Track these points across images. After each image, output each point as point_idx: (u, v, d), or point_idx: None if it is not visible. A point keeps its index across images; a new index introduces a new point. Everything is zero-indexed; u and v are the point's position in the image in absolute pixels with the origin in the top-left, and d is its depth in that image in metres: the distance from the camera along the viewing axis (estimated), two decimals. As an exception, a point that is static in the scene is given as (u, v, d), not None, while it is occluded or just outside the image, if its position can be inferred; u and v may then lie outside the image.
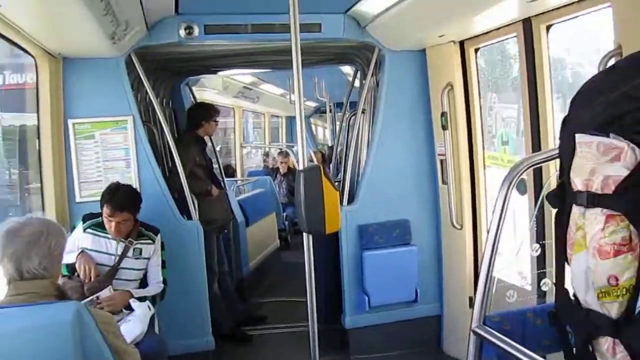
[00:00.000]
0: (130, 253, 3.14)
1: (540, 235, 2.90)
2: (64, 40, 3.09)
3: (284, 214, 7.96)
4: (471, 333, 1.83)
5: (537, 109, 3.04)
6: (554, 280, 1.26)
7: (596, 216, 1.03)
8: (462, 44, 3.67)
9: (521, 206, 3.14)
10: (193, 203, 3.83)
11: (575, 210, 1.09)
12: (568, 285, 1.22)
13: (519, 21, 3.07)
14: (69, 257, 2.92)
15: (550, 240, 1.34)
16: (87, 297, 2.88)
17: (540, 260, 2.88)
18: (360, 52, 4.22)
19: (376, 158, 3.97)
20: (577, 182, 1.08)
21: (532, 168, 1.81)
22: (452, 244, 3.91)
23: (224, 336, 4.12)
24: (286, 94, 10.34)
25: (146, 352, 2.56)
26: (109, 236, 3.12)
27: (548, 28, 2.97)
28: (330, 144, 10.96)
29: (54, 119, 3.40)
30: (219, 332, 3.98)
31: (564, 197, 1.14)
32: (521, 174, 1.83)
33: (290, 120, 12.60)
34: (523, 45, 3.08)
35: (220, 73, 6.61)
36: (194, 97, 5.64)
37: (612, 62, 2.35)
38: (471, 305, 3.72)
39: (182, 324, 3.61)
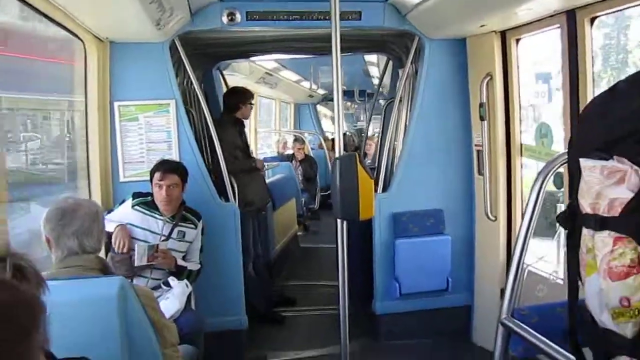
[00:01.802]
0: (174, 234, 3.27)
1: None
2: (112, 25, 3.20)
3: (302, 199, 8.08)
4: (499, 324, 1.87)
5: (578, 103, 3.00)
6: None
7: (604, 239, 1.04)
8: (503, 34, 3.62)
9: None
10: (232, 185, 3.93)
11: (585, 232, 1.10)
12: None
13: (562, 12, 3.01)
14: (109, 226, 3.03)
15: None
16: (135, 270, 3.06)
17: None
18: (399, 40, 4.21)
19: (412, 146, 3.99)
20: (585, 205, 1.09)
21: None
22: (486, 235, 3.91)
23: (257, 317, 4.23)
24: (301, 80, 10.35)
25: (183, 327, 2.68)
26: (157, 215, 3.25)
27: (592, 20, 2.91)
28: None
29: (100, 102, 3.53)
30: (252, 312, 4.09)
31: (574, 219, 1.16)
32: (556, 169, 1.85)
33: (299, 107, 12.65)
34: (566, 37, 3.03)
35: (255, 58, 6.66)
36: (225, 82, 5.71)
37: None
38: (502, 297, 3.72)
39: (217, 303, 3.73)
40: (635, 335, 1.02)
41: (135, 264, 3.04)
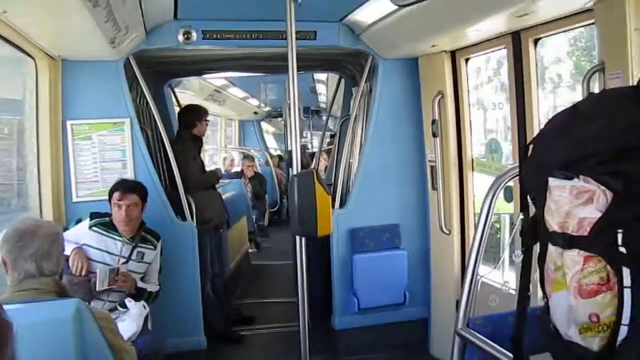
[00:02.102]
0: (134, 256, 3.22)
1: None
2: (65, 43, 3.16)
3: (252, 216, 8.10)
4: (455, 335, 1.92)
5: (524, 119, 3.14)
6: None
7: (574, 257, 1.07)
8: (453, 53, 3.76)
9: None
10: (189, 203, 3.89)
11: (552, 250, 1.12)
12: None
13: (508, 34, 3.16)
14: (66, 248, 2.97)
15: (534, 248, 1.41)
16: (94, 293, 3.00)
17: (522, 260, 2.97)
18: (354, 59, 4.31)
19: (368, 163, 4.06)
20: (552, 224, 1.12)
21: (517, 178, 1.90)
22: (441, 248, 4.00)
23: (215, 336, 4.18)
24: (248, 97, 10.37)
25: (142, 349, 2.63)
26: (115, 236, 3.19)
27: (536, 42, 3.07)
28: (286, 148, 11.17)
29: (52, 120, 3.46)
30: (210, 332, 4.04)
31: (536, 235, 1.20)
32: (505, 183, 1.93)
33: (243, 124, 12.67)
34: (512, 57, 3.18)
35: (210, 75, 6.66)
36: (177, 99, 5.66)
37: (595, 77, 2.47)
38: (457, 308, 3.81)
39: (175, 323, 3.68)
40: (601, 349, 1.05)
41: (97, 289, 2.97)
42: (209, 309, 4.06)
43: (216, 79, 8.02)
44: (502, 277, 3.28)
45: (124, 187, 3.24)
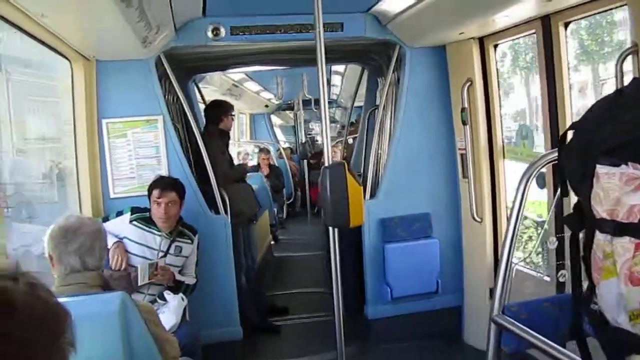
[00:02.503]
0: (172, 250, 3.31)
1: (558, 229, 2.97)
2: (99, 44, 3.24)
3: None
4: (491, 322, 1.93)
5: (555, 105, 3.10)
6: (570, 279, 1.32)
7: (625, 244, 1.06)
8: (481, 40, 3.73)
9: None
10: (222, 197, 3.96)
11: (601, 237, 1.12)
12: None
13: (537, 18, 3.12)
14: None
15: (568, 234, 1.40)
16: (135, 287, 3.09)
17: (559, 253, 2.95)
18: (380, 49, 4.30)
19: (397, 153, 4.07)
20: (600, 211, 1.11)
21: (550, 164, 1.90)
22: (473, 236, 3.99)
23: (252, 327, 4.26)
24: (261, 90, 10.39)
25: (181, 340, 2.70)
26: (155, 231, 3.28)
27: (566, 25, 3.02)
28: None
29: (88, 119, 3.56)
30: (247, 323, 4.13)
31: (582, 221, 1.18)
32: (539, 170, 1.92)
33: (254, 117, 12.70)
34: (542, 42, 3.14)
35: (238, 70, 6.72)
36: (202, 94, 5.74)
37: (629, 59, 2.43)
38: (491, 296, 3.80)
39: (212, 315, 3.76)
40: None
41: (139, 283, 3.06)
42: (245, 301, 4.14)
43: (234, 73, 8.07)
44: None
45: (163, 184, 3.33)
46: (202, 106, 5.35)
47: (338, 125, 13.68)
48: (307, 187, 9.14)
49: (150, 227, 3.29)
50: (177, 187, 3.36)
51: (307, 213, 8.97)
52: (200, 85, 6.16)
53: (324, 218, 2.87)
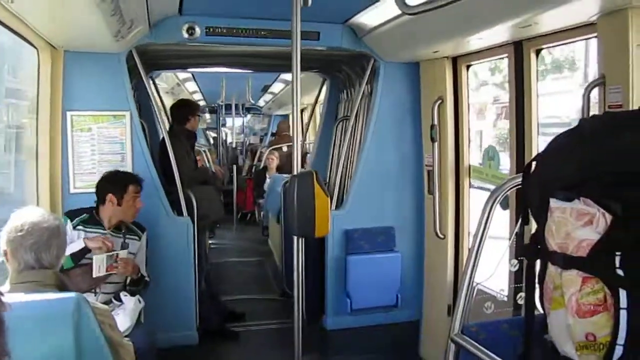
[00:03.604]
0: (119, 247, 3.19)
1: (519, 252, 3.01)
2: (69, 35, 3.14)
3: None
4: (450, 341, 1.95)
5: (523, 129, 3.17)
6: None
7: (573, 278, 1.10)
8: (454, 60, 3.78)
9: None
10: (187, 199, 3.90)
11: (552, 268, 1.15)
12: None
13: (510, 43, 3.19)
14: (71, 247, 2.91)
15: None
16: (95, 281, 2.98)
17: (518, 275, 3.00)
18: (355, 61, 4.32)
19: (365, 165, 4.08)
20: (552, 243, 1.14)
21: (515, 188, 1.93)
22: (435, 252, 4.03)
23: (209, 332, 4.19)
24: (195, 92, 10.25)
25: (135, 343, 2.64)
26: (101, 230, 3.18)
27: (537, 52, 3.10)
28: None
29: (52, 110, 3.45)
30: (205, 328, 4.06)
31: (537, 252, 1.22)
32: (505, 193, 1.96)
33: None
34: (513, 66, 3.21)
35: (212, 69, 6.63)
36: (158, 91, 5.51)
37: (595, 91, 2.50)
38: (449, 312, 3.85)
39: (167, 318, 3.68)
40: None
41: (94, 275, 2.92)
42: (205, 305, 4.07)
43: (181, 72, 7.90)
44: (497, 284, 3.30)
45: (137, 179, 3.30)
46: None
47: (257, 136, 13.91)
48: (234, 192, 9.07)
49: (95, 228, 3.16)
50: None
51: (234, 219, 8.90)
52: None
53: (290, 227, 2.86)
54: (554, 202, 1.16)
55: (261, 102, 11.30)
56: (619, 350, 1.06)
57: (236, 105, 10.11)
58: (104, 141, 3.63)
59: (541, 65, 3.57)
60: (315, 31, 3.78)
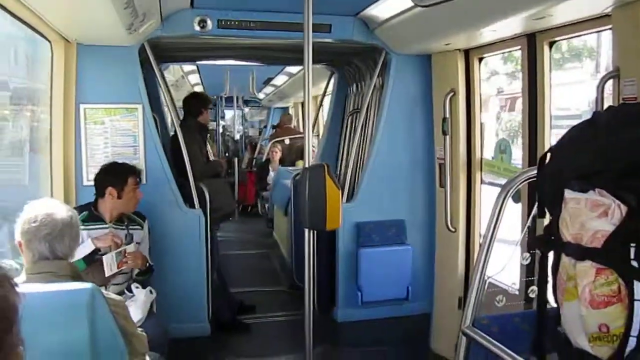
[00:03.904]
0: (123, 239, 3.19)
1: (531, 245, 3.00)
2: (82, 28, 3.17)
3: None
4: (461, 334, 1.95)
5: (536, 122, 3.15)
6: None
7: (587, 269, 1.09)
8: (467, 52, 3.76)
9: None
10: (199, 191, 3.92)
11: (566, 260, 1.15)
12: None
13: (523, 35, 3.16)
14: (81, 249, 2.82)
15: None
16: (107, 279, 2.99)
17: (530, 269, 2.99)
18: (366, 53, 4.31)
19: (377, 158, 4.08)
20: (566, 234, 1.14)
21: (528, 181, 1.93)
22: (446, 245, 4.02)
23: (221, 324, 4.22)
24: (197, 84, 10.19)
25: (147, 334, 2.67)
26: (103, 225, 3.16)
27: (551, 44, 3.07)
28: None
29: (66, 103, 3.49)
30: (216, 319, 4.09)
31: (551, 244, 1.22)
32: (518, 186, 1.95)
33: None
34: (527, 58, 3.18)
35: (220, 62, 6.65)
36: (166, 84, 5.56)
37: (610, 83, 2.47)
38: (460, 306, 3.85)
39: (180, 309, 3.71)
40: (610, 358, 1.09)
41: (107, 274, 2.94)
42: (217, 298, 4.09)
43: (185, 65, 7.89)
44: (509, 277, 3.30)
45: (135, 171, 3.28)
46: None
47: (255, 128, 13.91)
48: (236, 184, 9.08)
49: (96, 224, 3.12)
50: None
51: (236, 212, 8.91)
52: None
53: (301, 219, 2.87)
54: (568, 193, 1.15)
55: (261, 95, 11.30)
56: (632, 342, 1.06)
57: (237, 98, 10.11)
58: (117, 134, 3.66)
59: (557, 53, 3.54)
60: (326, 24, 3.77)
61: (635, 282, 1.06)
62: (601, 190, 1.10)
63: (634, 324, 1.06)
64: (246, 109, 12.65)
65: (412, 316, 4.18)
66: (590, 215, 1.11)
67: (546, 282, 1.22)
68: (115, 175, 3.23)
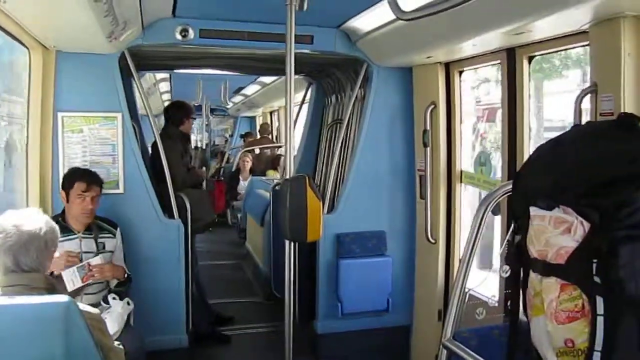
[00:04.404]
0: (94, 248, 3.15)
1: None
2: (62, 35, 3.12)
3: None
4: (441, 347, 1.95)
5: (515, 135, 3.19)
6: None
7: (551, 284, 1.12)
8: (447, 65, 3.80)
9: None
10: (180, 201, 3.88)
11: (533, 276, 1.18)
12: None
13: (503, 50, 3.21)
14: None
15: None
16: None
17: (509, 281, 3.01)
18: (348, 65, 4.33)
19: (357, 169, 4.08)
20: (533, 251, 1.17)
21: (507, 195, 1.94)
22: (426, 257, 4.04)
23: (200, 336, 4.17)
24: (165, 92, 10.25)
25: (125, 347, 2.62)
26: (70, 236, 3.10)
27: (530, 59, 3.12)
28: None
29: (43, 111, 3.43)
30: (196, 331, 4.04)
31: (520, 260, 1.24)
32: (497, 200, 1.97)
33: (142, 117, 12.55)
34: (506, 72, 3.23)
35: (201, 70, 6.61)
36: (141, 92, 5.53)
37: (587, 98, 2.52)
38: (440, 318, 3.86)
39: (157, 321, 3.65)
40: None
41: (69, 290, 2.82)
42: (195, 309, 4.04)
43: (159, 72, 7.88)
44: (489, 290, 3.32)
45: (89, 178, 3.19)
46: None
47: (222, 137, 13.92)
48: None
49: (64, 235, 2.97)
50: (101, 180, 3.27)
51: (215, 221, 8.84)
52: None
53: (282, 231, 2.85)
54: (534, 210, 1.18)
55: (229, 104, 11.30)
56: (596, 357, 1.07)
57: (205, 107, 10.09)
58: (96, 142, 3.60)
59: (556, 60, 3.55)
60: (309, 35, 3.78)
61: (598, 297, 1.07)
62: (566, 207, 1.13)
63: (597, 339, 1.07)
64: (211, 118, 12.61)
65: (392, 328, 4.16)
66: (554, 232, 1.14)
67: (518, 296, 1.23)
68: (66, 177, 3.22)
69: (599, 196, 1.08)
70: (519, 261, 1.25)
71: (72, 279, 2.87)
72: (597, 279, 1.07)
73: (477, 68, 3.78)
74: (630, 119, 1.14)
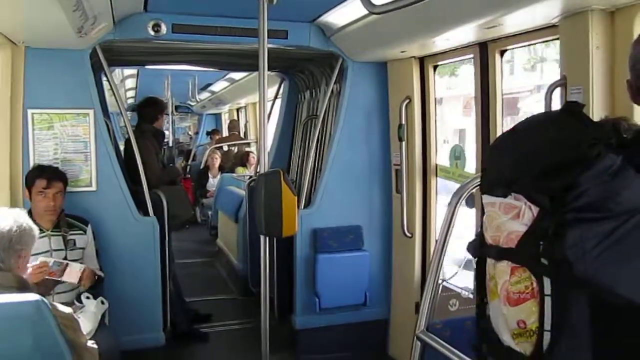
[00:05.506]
0: (63, 245, 3.11)
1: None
2: (30, 31, 3.06)
3: None
4: (415, 338, 1.97)
5: (488, 127, 3.22)
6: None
7: (503, 268, 1.16)
8: (422, 60, 3.82)
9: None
10: (156, 198, 3.84)
11: (488, 261, 1.22)
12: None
13: (475, 44, 3.24)
14: None
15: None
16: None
17: (475, 271, 3.05)
18: (323, 60, 4.32)
19: (334, 164, 4.09)
20: (487, 237, 1.21)
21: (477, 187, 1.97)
22: (402, 251, 4.06)
23: (178, 334, 4.14)
24: (131, 89, 10.18)
25: (99, 347, 2.58)
26: (40, 235, 3.04)
27: (502, 53, 3.16)
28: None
29: (13, 108, 3.36)
30: (173, 329, 4.01)
31: (479, 247, 1.29)
32: (469, 192, 2.00)
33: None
34: (479, 66, 3.26)
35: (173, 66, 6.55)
36: (112, 87, 5.45)
37: (557, 91, 2.56)
38: (417, 311, 3.88)
39: (132, 320, 3.60)
40: (531, 353, 1.14)
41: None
42: (173, 307, 4.01)
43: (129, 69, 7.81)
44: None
45: (50, 174, 3.14)
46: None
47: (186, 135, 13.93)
48: None
49: None
50: (64, 176, 3.22)
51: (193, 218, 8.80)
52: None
53: (257, 226, 2.84)
54: (486, 198, 1.24)
55: (195, 101, 11.20)
56: (547, 336, 1.12)
57: (172, 104, 10.05)
58: (67, 139, 3.54)
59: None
60: (283, 30, 3.76)
61: (545, 279, 1.11)
62: (517, 195, 1.17)
63: (546, 319, 1.12)
64: (175, 115, 12.58)
65: (370, 322, 4.19)
66: (504, 218, 1.18)
67: (484, 285, 1.27)
68: (28, 175, 3.20)
69: (549, 180, 1.12)
70: (477, 249, 1.29)
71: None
72: (544, 261, 1.11)
73: (451, 62, 3.81)
74: (576, 105, 1.18)
